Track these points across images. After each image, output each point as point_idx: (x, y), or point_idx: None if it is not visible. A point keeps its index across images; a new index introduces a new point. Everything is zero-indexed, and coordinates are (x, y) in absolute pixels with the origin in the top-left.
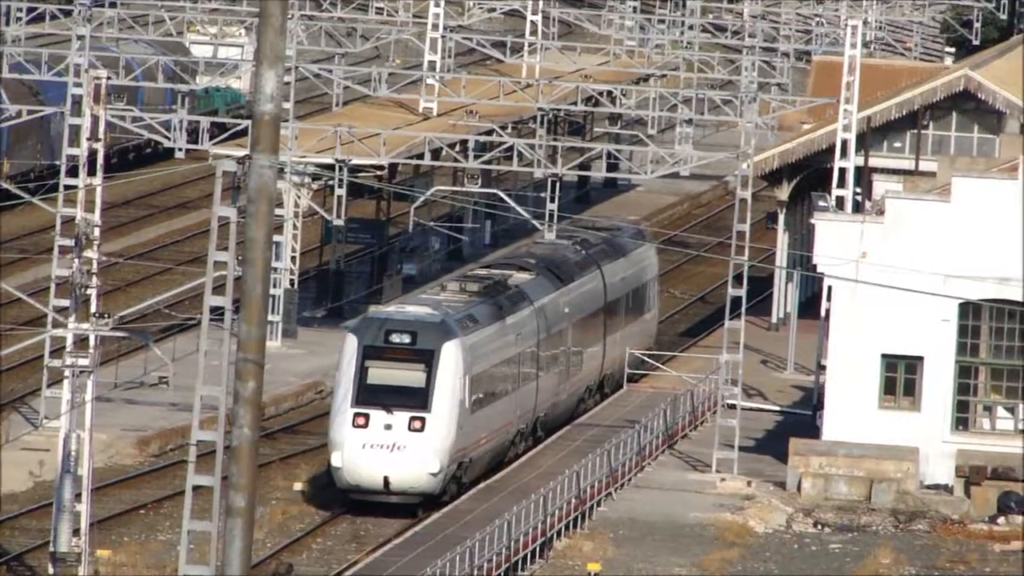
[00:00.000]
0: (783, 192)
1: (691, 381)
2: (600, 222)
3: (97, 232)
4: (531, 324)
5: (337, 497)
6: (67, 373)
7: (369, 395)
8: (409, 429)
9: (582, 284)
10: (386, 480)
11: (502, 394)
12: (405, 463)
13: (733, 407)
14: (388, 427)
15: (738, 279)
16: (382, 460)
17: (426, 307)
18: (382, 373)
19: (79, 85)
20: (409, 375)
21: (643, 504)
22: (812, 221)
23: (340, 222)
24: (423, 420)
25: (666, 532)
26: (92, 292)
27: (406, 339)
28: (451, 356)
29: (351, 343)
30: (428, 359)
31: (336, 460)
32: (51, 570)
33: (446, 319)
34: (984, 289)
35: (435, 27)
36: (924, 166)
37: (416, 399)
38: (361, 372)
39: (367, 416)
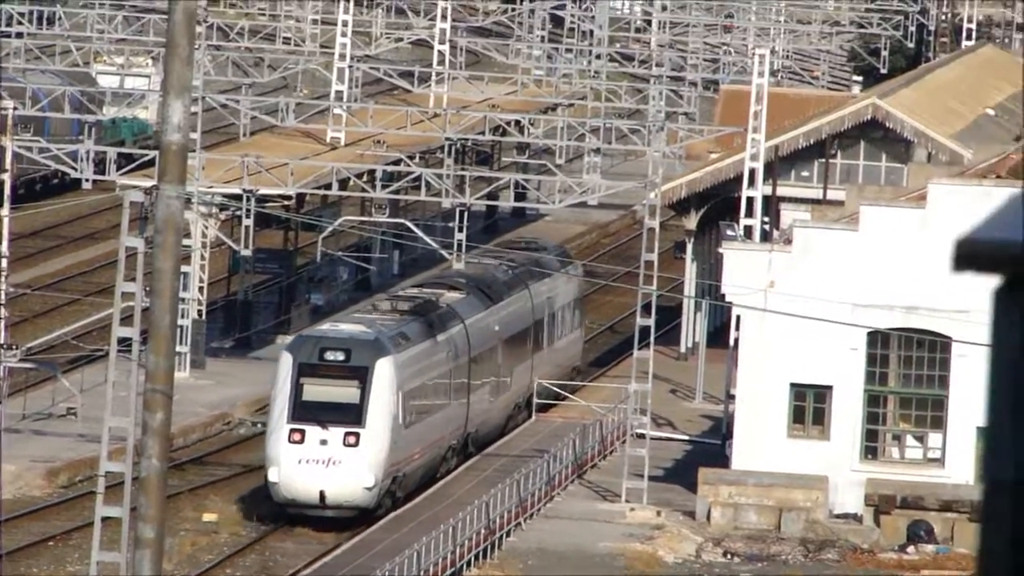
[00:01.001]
0: (691, 221)
1: (600, 411)
2: (527, 243)
3: (4, 263)
4: (462, 341)
5: (249, 526)
6: None
7: (304, 411)
8: (344, 444)
9: (511, 303)
10: (322, 494)
11: (434, 410)
12: (340, 478)
13: (642, 436)
14: (324, 442)
15: (646, 308)
16: (318, 475)
17: (359, 325)
18: (317, 390)
19: None
20: (344, 391)
21: (553, 534)
22: (720, 250)
23: (248, 252)
24: (358, 435)
25: (576, 562)
26: (0, 323)
27: (340, 356)
28: (385, 372)
29: (286, 360)
30: (362, 375)
31: (273, 475)
32: None
33: (379, 336)
34: (892, 318)
35: (342, 57)
36: (832, 195)
37: (351, 415)
38: (296, 389)
39: (303, 432)
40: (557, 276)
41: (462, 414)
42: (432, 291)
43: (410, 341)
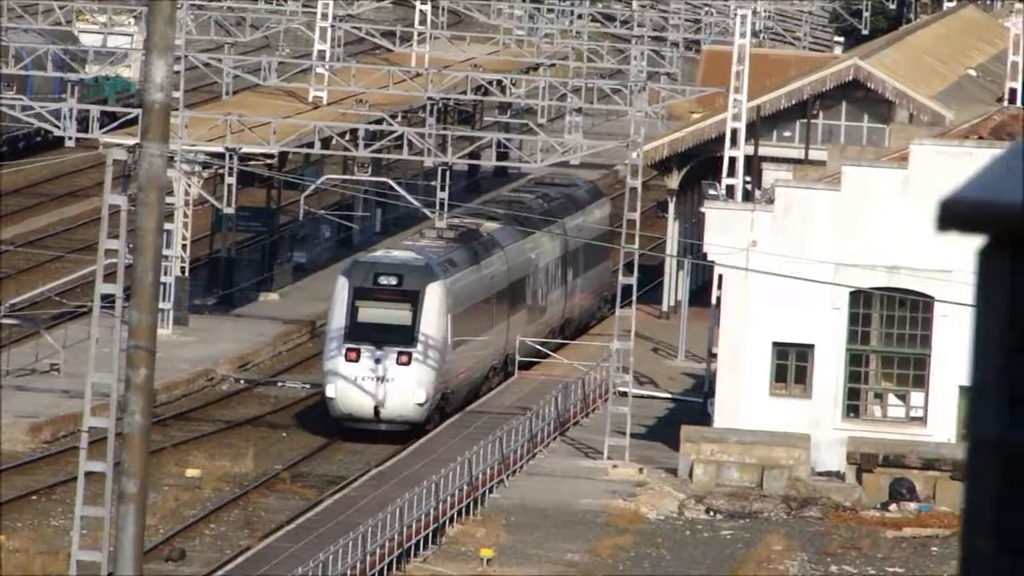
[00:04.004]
0: (673, 181)
1: (582, 368)
2: (557, 178)
3: None
4: (502, 268)
5: (231, 482)
6: None
7: (360, 332)
8: (397, 363)
9: (546, 233)
10: (376, 410)
11: (479, 332)
12: (394, 394)
13: (624, 394)
14: (378, 361)
15: (629, 267)
16: (372, 391)
17: (410, 252)
18: (371, 312)
19: None
20: (397, 314)
21: (535, 491)
22: (702, 210)
23: (230, 210)
24: (409, 355)
25: (558, 518)
26: None
27: (393, 281)
28: (435, 296)
29: (342, 284)
30: (414, 299)
31: (330, 391)
32: None
33: (429, 262)
34: (875, 277)
35: (324, 16)
36: (814, 155)
37: (403, 336)
38: (352, 311)
39: (358, 351)
40: (587, 210)
41: (503, 336)
42: (473, 220)
43: (457, 267)
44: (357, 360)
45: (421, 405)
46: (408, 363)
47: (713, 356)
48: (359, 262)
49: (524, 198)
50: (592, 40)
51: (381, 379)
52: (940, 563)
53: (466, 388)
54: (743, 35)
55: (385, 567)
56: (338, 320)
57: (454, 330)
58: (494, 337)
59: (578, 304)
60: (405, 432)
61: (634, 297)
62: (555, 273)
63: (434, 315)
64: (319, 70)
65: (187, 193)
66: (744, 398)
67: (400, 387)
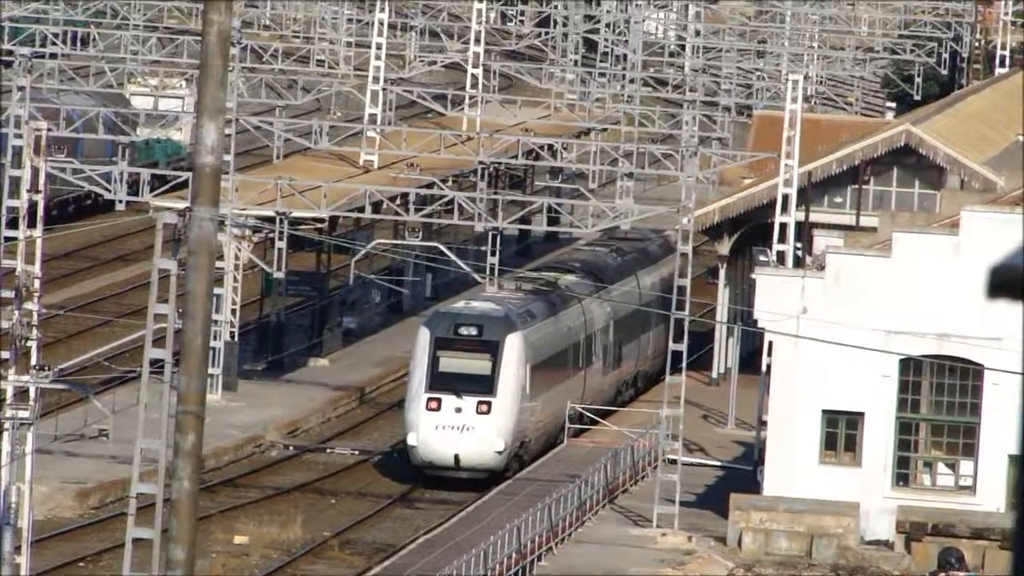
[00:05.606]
0: (724, 247)
1: (632, 436)
2: (631, 233)
3: (37, 284)
4: (579, 320)
5: (279, 549)
6: (7, 425)
7: (441, 381)
8: (477, 412)
9: (621, 286)
10: (456, 458)
11: (556, 382)
12: (474, 442)
13: (674, 462)
14: (458, 410)
15: (679, 334)
16: (453, 440)
17: (490, 303)
18: (452, 362)
19: (19, 136)
20: (477, 363)
21: (583, 559)
22: (753, 276)
23: (280, 275)
24: (489, 404)
25: None
26: (32, 344)
27: (473, 331)
28: (514, 346)
29: (424, 335)
30: (494, 349)
31: (412, 440)
32: None
33: (509, 313)
34: (925, 345)
35: (376, 80)
36: (865, 221)
37: (483, 385)
38: (434, 361)
39: (439, 400)
40: (660, 264)
41: (579, 386)
42: (551, 273)
43: (535, 318)
44: (438, 409)
45: (500, 453)
46: (488, 412)
47: (763, 423)
48: (440, 313)
49: (599, 252)
50: (644, 104)
51: (461, 428)
52: None
53: (544, 437)
54: (795, 100)
55: None
56: (420, 370)
57: (532, 380)
58: (571, 388)
59: (651, 356)
60: (484, 480)
61: (684, 364)
62: (630, 325)
63: (513, 365)
64: (370, 134)
65: (237, 257)
66: (794, 466)
67: (480, 436)
